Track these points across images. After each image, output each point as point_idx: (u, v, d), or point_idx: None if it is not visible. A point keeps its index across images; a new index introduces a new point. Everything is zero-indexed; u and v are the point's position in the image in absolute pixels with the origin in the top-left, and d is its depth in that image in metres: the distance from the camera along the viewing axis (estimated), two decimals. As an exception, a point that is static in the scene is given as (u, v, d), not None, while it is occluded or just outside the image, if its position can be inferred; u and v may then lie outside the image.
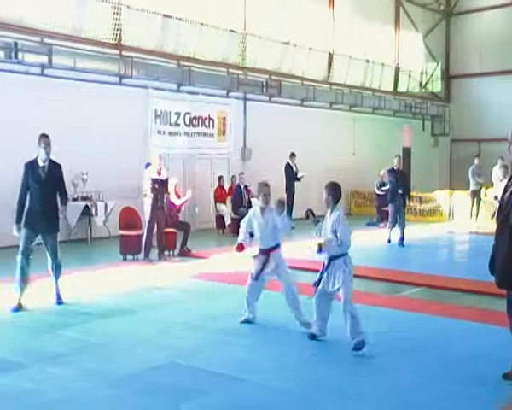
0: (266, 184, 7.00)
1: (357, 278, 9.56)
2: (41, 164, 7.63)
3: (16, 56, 12.58)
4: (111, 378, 5.30)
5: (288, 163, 16.76)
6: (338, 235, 6.02)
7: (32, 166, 7.63)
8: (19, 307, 7.40)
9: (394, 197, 13.42)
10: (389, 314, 7.57)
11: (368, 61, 22.75)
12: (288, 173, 16.67)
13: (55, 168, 7.76)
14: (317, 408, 4.77)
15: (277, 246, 6.88)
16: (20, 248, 7.56)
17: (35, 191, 7.55)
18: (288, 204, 16.48)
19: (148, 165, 12.01)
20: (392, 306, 8.01)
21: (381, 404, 4.81)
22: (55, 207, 7.74)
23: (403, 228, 13.36)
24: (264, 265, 6.82)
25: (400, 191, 13.37)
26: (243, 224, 7.00)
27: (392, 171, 13.81)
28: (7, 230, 8.04)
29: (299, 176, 16.72)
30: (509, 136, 5.30)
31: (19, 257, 7.54)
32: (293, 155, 16.71)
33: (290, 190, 16.62)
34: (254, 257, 6.92)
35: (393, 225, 13.50)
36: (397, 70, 24.66)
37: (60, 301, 7.74)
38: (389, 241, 13.50)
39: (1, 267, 9.53)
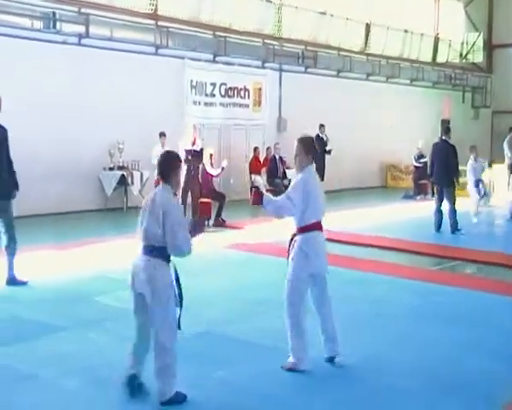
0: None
1: (394, 252, 9.73)
2: None
3: (54, 26, 12.67)
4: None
5: (317, 134, 16.55)
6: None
7: None
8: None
9: None
10: (428, 287, 7.50)
11: (406, 31, 22.20)
12: (317, 145, 16.43)
13: (4, 132, 7.04)
14: (360, 378, 4.76)
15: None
16: None
17: None
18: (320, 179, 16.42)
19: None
20: (431, 279, 7.93)
21: (430, 377, 4.79)
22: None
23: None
24: None
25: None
26: None
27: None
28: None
29: (328, 149, 16.51)
30: None
31: None
32: (322, 125, 16.50)
33: (320, 162, 16.43)
34: None
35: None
36: (436, 40, 24.02)
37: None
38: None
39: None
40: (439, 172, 11.21)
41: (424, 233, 11.30)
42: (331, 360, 4.92)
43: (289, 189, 4.85)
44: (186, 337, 5.54)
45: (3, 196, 7.11)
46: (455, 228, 11.16)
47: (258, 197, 4.81)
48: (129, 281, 4.27)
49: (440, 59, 24.17)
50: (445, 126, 12.05)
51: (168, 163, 4.29)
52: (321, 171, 16.52)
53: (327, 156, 16.40)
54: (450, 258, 9.32)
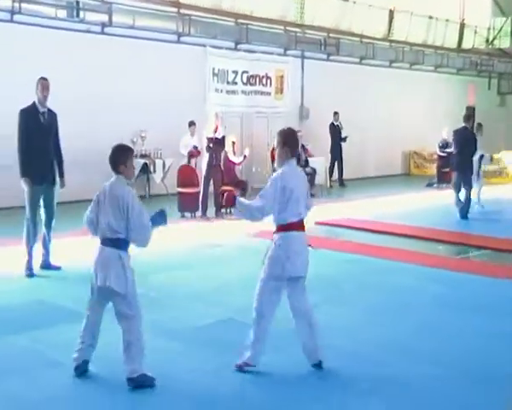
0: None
1: (418, 240, 9.65)
2: (41, 110, 7.08)
3: (78, 15, 12.76)
4: (169, 331, 5.42)
5: (331, 123, 16.46)
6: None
7: (30, 112, 7.03)
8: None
9: None
10: (453, 276, 7.43)
11: (431, 17, 21.86)
12: (332, 133, 16.38)
13: (53, 116, 7.24)
14: (381, 367, 4.75)
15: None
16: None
17: (35, 140, 6.96)
18: (338, 167, 16.32)
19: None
20: (456, 268, 7.85)
21: (455, 366, 4.75)
22: (53, 157, 7.22)
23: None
24: None
25: None
26: None
27: None
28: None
29: (343, 136, 16.40)
30: None
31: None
32: (336, 113, 16.41)
33: (336, 151, 16.35)
34: None
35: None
36: (462, 26, 23.62)
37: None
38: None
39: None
40: (461, 159, 11.28)
41: (448, 221, 11.20)
42: (318, 365, 4.57)
43: (263, 189, 4.52)
44: (209, 324, 5.58)
45: (47, 180, 7.16)
46: (466, 214, 11.28)
47: (231, 199, 4.53)
48: (92, 276, 4.36)
49: (466, 45, 23.78)
50: (466, 114, 11.94)
51: (116, 156, 4.37)
52: (338, 159, 16.46)
53: (344, 145, 16.35)
54: (474, 246, 9.22)
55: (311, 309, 4.64)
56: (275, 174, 4.52)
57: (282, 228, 4.47)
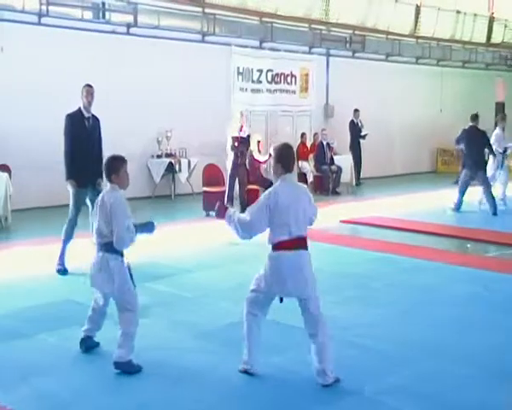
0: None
1: (445, 238, 9.52)
2: (86, 115, 7.39)
3: (104, 16, 12.86)
4: (197, 330, 5.42)
5: (351, 120, 16.34)
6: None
7: (76, 117, 7.36)
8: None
9: None
10: (482, 275, 7.30)
11: (458, 11, 21.54)
12: (352, 131, 16.27)
13: (97, 122, 7.54)
14: (410, 365, 4.68)
15: None
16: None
17: (81, 144, 7.27)
18: (357, 165, 16.18)
19: None
20: (485, 266, 7.71)
21: (484, 365, 4.67)
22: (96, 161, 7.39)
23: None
24: None
25: None
26: None
27: None
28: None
29: (362, 134, 16.27)
30: None
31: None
32: (356, 111, 16.29)
33: (355, 148, 16.23)
34: None
35: None
36: (491, 20, 23.20)
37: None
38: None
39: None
40: (473, 158, 11.54)
41: (476, 219, 11.03)
42: (329, 386, 4.32)
43: (255, 203, 4.42)
44: (238, 323, 5.56)
45: (91, 183, 7.31)
46: (495, 209, 11.36)
47: (221, 211, 4.44)
48: (89, 280, 4.70)
49: (495, 39, 23.37)
50: (473, 114, 12.20)
51: (108, 165, 4.66)
52: (357, 157, 16.30)
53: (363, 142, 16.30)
54: (505, 244, 9.03)
55: (321, 334, 4.35)
56: (266, 192, 4.41)
57: (272, 247, 4.36)
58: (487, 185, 11.56)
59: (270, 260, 4.37)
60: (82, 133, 7.32)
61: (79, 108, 7.38)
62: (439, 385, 4.35)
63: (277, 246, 4.32)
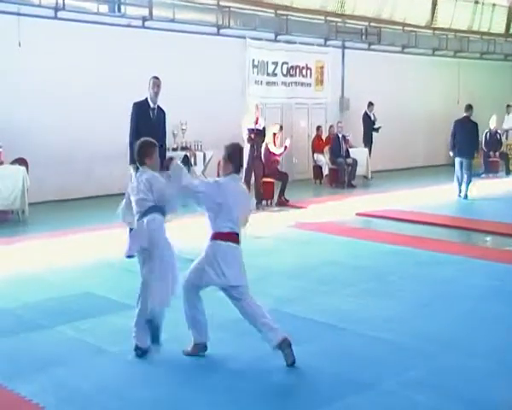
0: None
1: (463, 230, 9.45)
2: (151, 106, 7.68)
3: (119, 10, 12.89)
4: (214, 322, 5.42)
5: (365, 113, 16.24)
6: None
7: (142, 106, 7.68)
8: None
9: None
10: (501, 268, 7.25)
11: (476, 2, 21.27)
12: (365, 124, 16.18)
13: (162, 113, 7.80)
14: (428, 359, 4.65)
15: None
16: None
17: (144, 132, 7.23)
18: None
19: None
20: (504, 260, 7.65)
21: (503, 359, 4.63)
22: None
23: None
24: None
25: None
26: None
27: None
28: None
29: (376, 126, 16.17)
30: None
31: None
32: (370, 104, 16.18)
33: (368, 141, 16.14)
34: None
35: None
36: (510, 10, 22.89)
37: None
38: None
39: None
40: (463, 145, 12.53)
41: (495, 212, 10.93)
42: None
43: (203, 180, 4.71)
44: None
45: None
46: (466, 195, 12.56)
47: (168, 163, 4.57)
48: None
49: (514, 30, 23.07)
50: (467, 105, 13.05)
51: (143, 151, 4.78)
52: (368, 150, 16.20)
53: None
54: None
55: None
56: (217, 178, 4.66)
57: (216, 236, 4.54)
58: (470, 174, 12.57)
59: (214, 248, 4.56)
60: (146, 122, 7.54)
61: (146, 99, 7.69)
62: (458, 379, 4.32)
63: (216, 236, 4.53)
